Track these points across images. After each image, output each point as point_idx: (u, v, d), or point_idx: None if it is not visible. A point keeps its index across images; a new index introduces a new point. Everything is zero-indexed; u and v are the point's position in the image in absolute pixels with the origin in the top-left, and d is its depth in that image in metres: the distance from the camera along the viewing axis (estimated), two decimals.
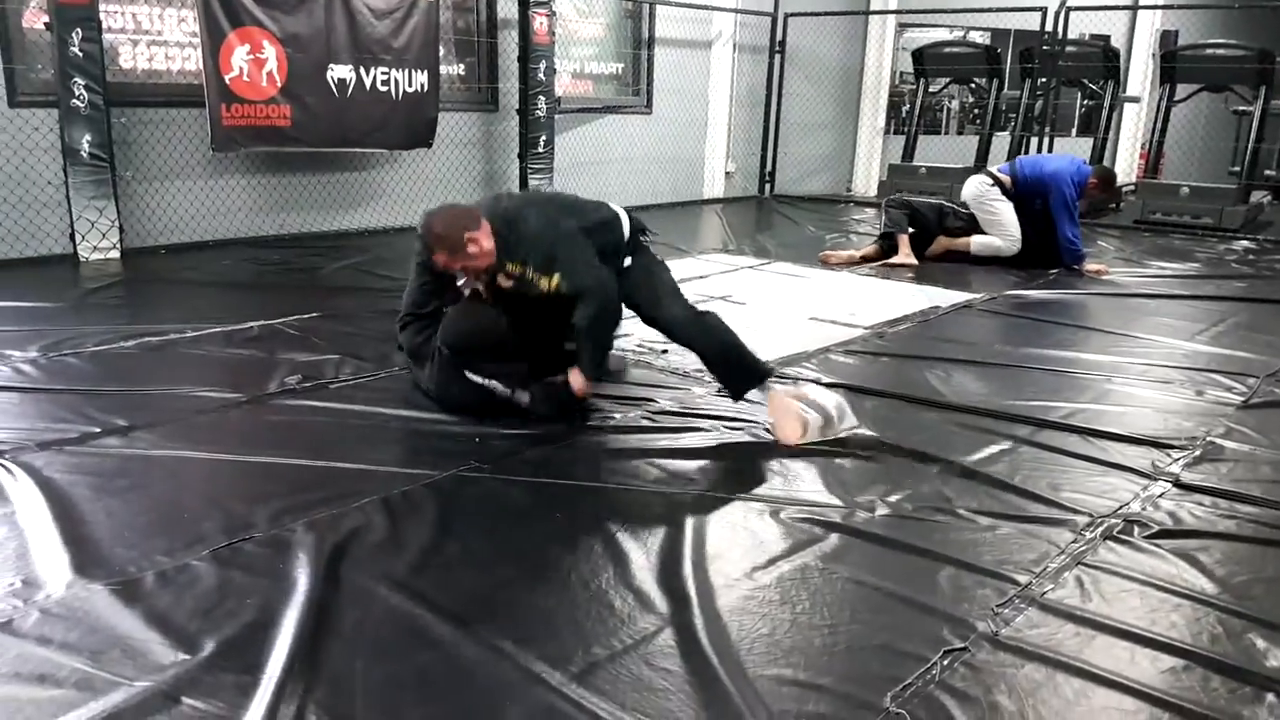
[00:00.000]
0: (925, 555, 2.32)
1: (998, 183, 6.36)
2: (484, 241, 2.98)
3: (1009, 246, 6.34)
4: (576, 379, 3.10)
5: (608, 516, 2.52)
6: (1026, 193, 6.31)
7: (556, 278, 2.95)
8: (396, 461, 2.82)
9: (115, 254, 5.83)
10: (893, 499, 2.64)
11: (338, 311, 4.63)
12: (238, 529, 2.35)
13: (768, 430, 3.05)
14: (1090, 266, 6.23)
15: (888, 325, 4.69)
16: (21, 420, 3.06)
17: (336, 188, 7.21)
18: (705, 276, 5.87)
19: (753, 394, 3.14)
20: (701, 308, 3.24)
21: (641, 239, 3.26)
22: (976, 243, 6.40)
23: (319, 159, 6.96)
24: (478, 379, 3.12)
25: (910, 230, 6.43)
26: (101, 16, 5.57)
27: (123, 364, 3.72)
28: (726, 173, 10.34)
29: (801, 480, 2.77)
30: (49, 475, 2.64)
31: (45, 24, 5.45)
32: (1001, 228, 6.36)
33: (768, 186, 10.70)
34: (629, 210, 3.28)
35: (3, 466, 2.69)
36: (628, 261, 3.20)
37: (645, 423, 3.22)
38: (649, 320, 3.21)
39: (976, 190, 6.41)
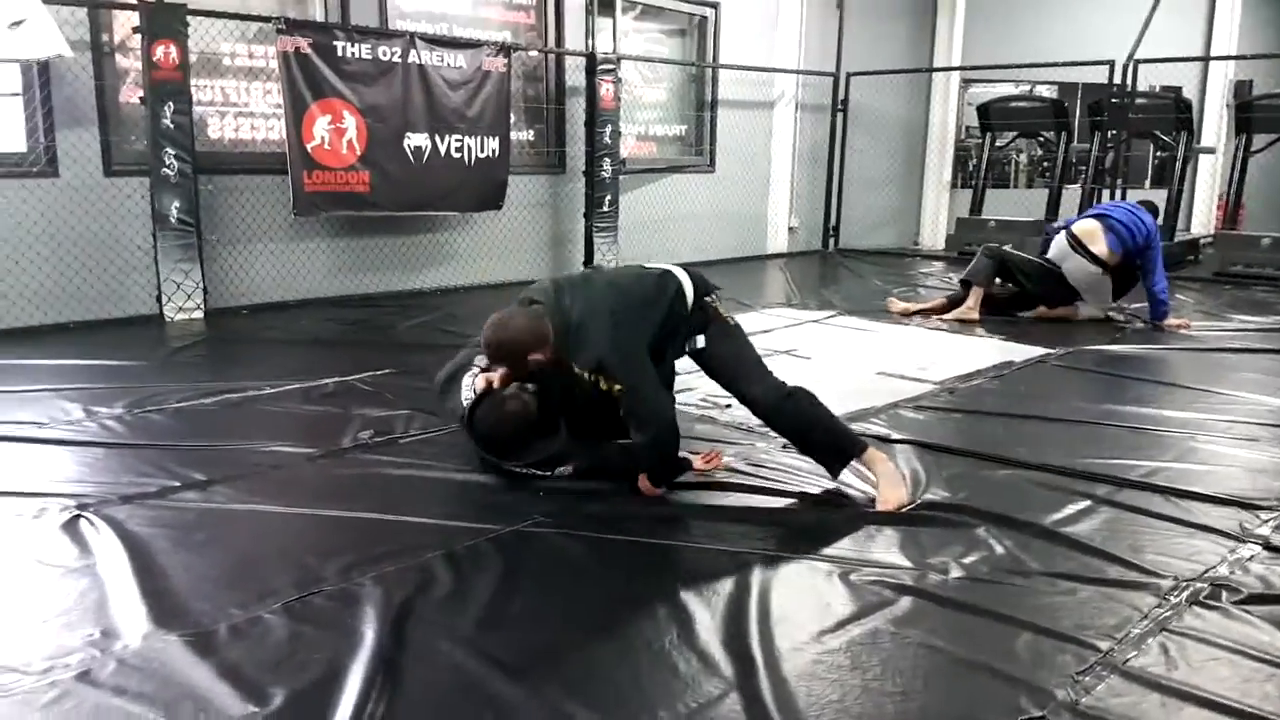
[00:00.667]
0: (1001, 620, 2.24)
1: (1094, 259, 6.09)
2: (546, 355, 2.93)
3: (1103, 312, 6.23)
4: (644, 483, 3.00)
5: (672, 575, 2.49)
6: (1133, 255, 6.08)
7: (615, 388, 2.87)
8: (461, 515, 2.83)
9: (199, 314, 6.03)
10: (967, 561, 2.56)
11: (409, 368, 4.71)
12: (308, 582, 2.38)
13: (867, 497, 2.97)
14: (1171, 321, 6.04)
15: (959, 380, 4.60)
16: (105, 474, 3.15)
17: (411, 249, 7.38)
18: (769, 330, 5.85)
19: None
20: (789, 384, 3.05)
21: (707, 300, 3.10)
22: (1084, 312, 6.23)
23: (395, 222, 7.15)
24: (517, 468, 3.11)
25: (994, 284, 6.31)
26: (192, 90, 5.85)
27: (204, 420, 3.83)
28: (790, 228, 10.34)
29: (871, 541, 2.70)
30: (130, 528, 2.71)
31: (140, 98, 5.73)
32: (1101, 298, 6.19)
33: (832, 241, 10.66)
34: (690, 268, 3.22)
35: (86, 519, 2.77)
36: (700, 342, 3.07)
37: (710, 479, 3.18)
38: (737, 397, 3.11)
39: (1078, 265, 6.10)
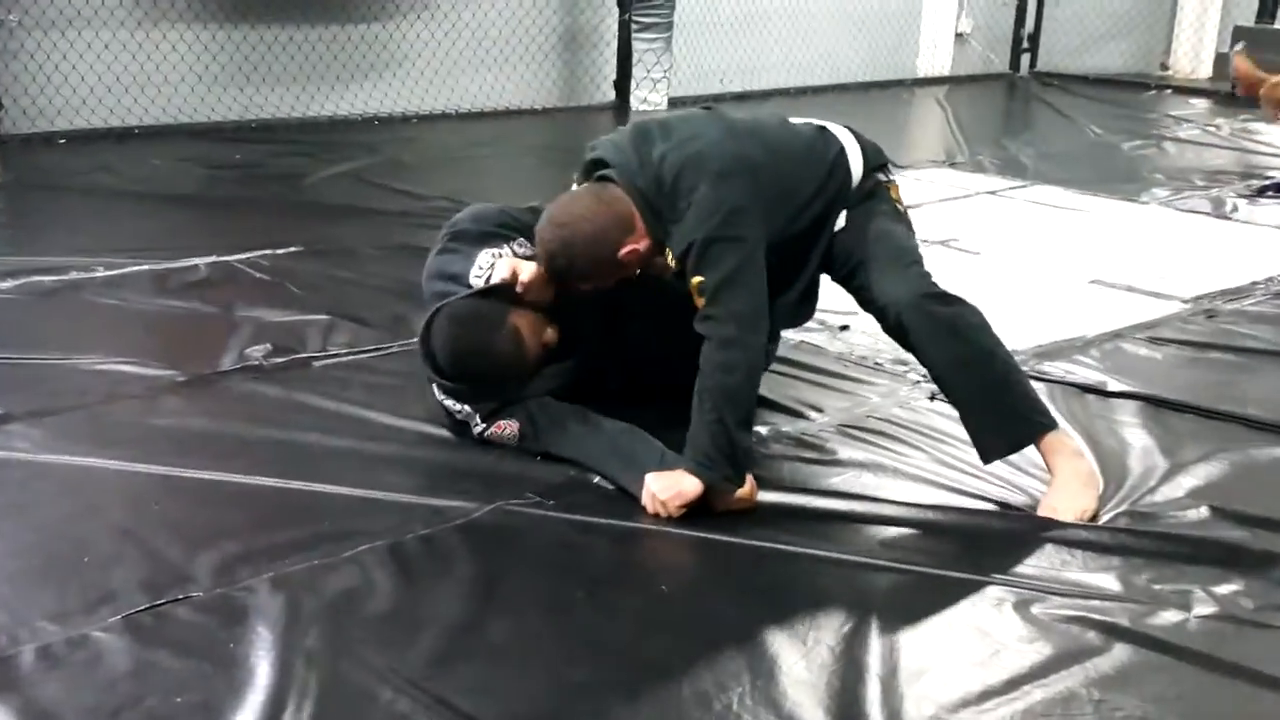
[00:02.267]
0: (1274, 686, 2.25)
1: None
2: (644, 249, 2.94)
3: None
4: (670, 481, 2.83)
5: (743, 592, 2.52)
6: None
7: (697, 283, 2.87)
8: (414, 487, 2.87)
9: None
10: (1221, 591, 2.56)
11: (328, 245, 4.75)
12: (166, 584, 2.42)
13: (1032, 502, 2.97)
14: None
15: (1223, 297, 4.58)
16: None
17: (335, 50, 7.37)
18: (916, 206, 5.78)
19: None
20: (951, 290, 3.06)
21: (880, 179, 3.19)
22: None
23: (308, 2, 7.13)
24: (446, 401, 3.13)
25: None
26: None
27: None
28: (958, 34, 10.21)
29: (1069, 556, 2.71)
30: None
31: None
32: None
33: (1026, 59, 10.51)
34: (855, 131, 3.23)
35: None
36: (841, 220, 3.12)
37: (805, 446, 3.19)
38: (863, 303, 3.15)
39: None
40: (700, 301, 2.84)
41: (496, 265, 3.07)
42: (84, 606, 2.34)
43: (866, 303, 3.10)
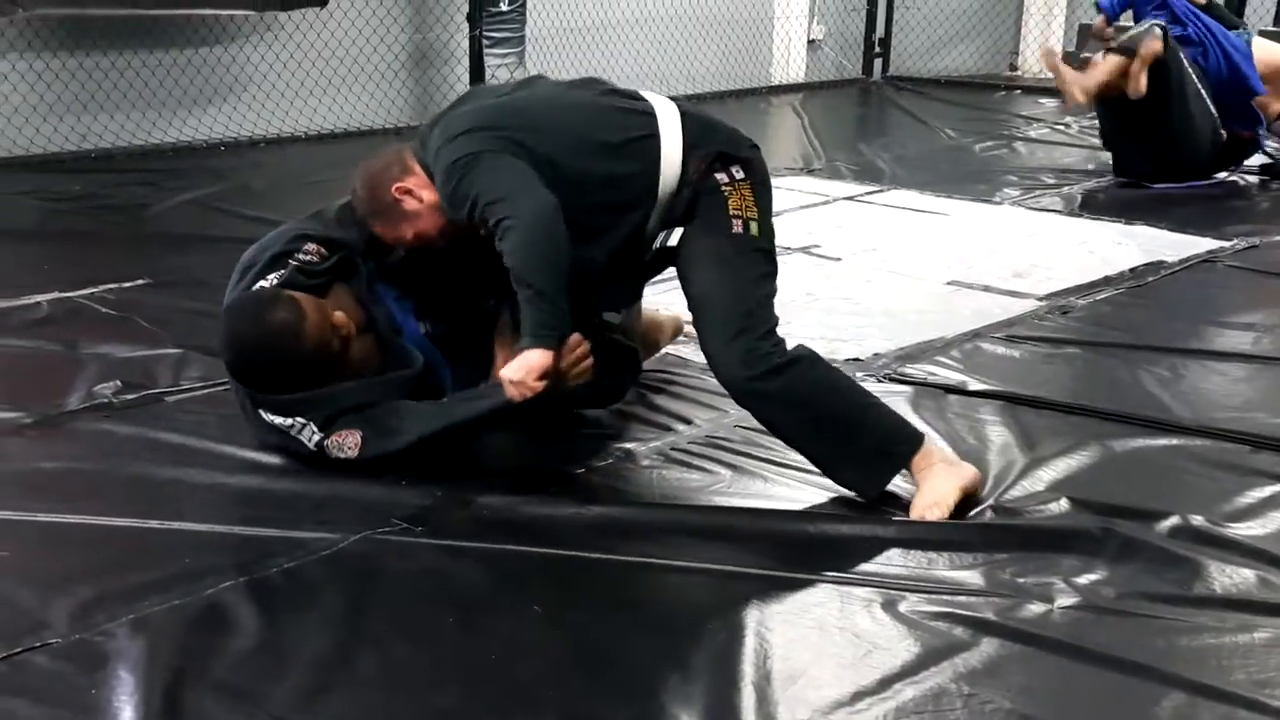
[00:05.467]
0: (1136, 672, 2.33)
1: None
2: (424, 191, 3.05)
3: None
4: (517, 362, 2.89)
5: (617, 609, 2.55)
6: None
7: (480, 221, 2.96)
8: (276, 520, 2.86)
9: None
10: (1083, 581, 2.65)
11: (176, 276, 4.69)
12: (20, 631, 2.39)
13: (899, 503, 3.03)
14: None
15: (1076, 293, 4.71)
16: None
17: (176, 75, 7.28)
18: (776, 214, 5.85)
19: None
20: (783, 348, 3.00)
21: (718, 173, 3.07)
22: None
23: (145, 27, 7.03)
24: (274, 419, 3.11)
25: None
26: None
27: None
28: (810, 40, 10.36)
29: (933, 551, 2.78)
30: None
31: None
32: None
33: (878, 64, 10.69)
34: (696, 109, 3.22)
35: None
36: (675, 238, 3.14)
37: (673, 460, 3.24)
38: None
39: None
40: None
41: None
42: None
43: (701, 346, 3.13)
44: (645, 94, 3.23)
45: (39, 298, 4.41)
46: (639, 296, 3.46)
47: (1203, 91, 6.42)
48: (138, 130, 7.13)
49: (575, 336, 2.95)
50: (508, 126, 3.02)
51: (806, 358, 3.02)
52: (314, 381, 3.08)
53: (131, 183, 6.38)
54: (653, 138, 3.08)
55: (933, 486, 2.95)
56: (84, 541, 2.78)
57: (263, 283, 3.15)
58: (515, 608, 2.56)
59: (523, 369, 2.87)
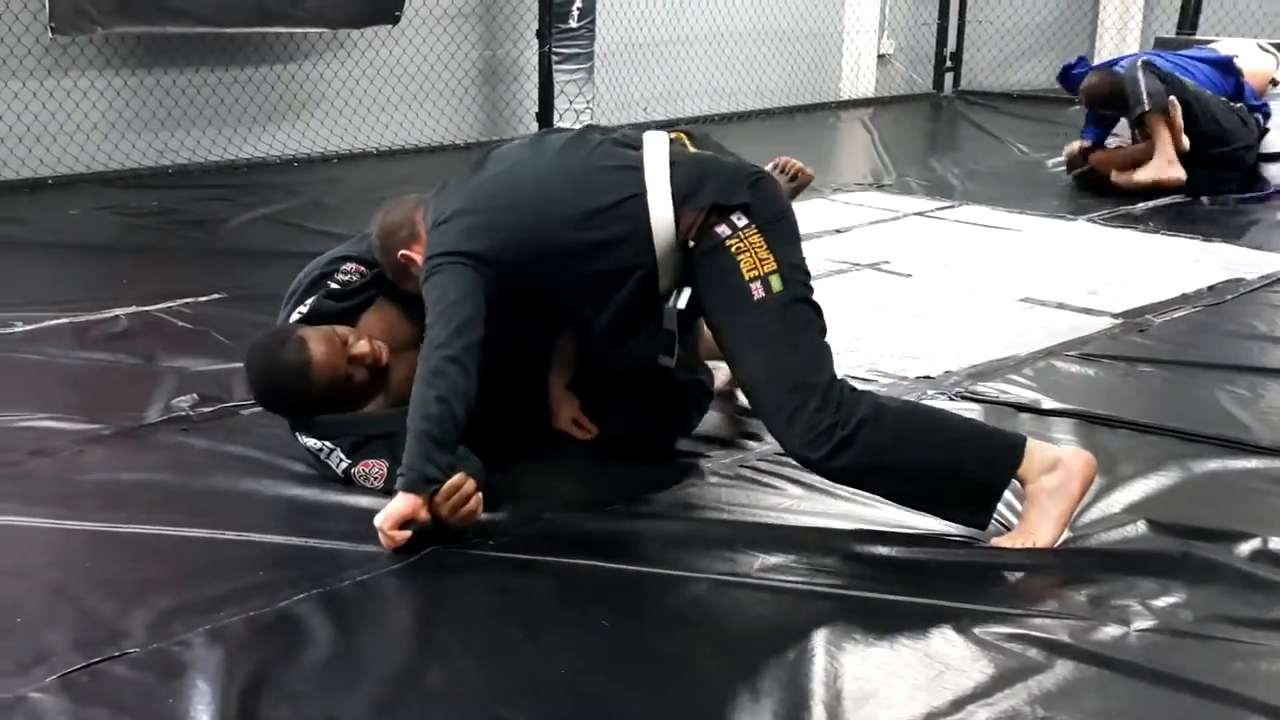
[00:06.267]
0: (1214, 697, 2.31)
1: None
2: (419, 261, 3.07)
3: None
4: (390, 506, 2.80)
5: (685, 626, 2.56)
6: None
7: None
8: (348, 533, 2.89)
9: None
10: (1161, 604, 2.63)
11: (251, 291, 4.74)
12: (101, 642, 2.43)
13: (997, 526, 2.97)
14: None
15: (1153, 311, 4.67)
16: None
17: (251, 92, 7.38)
18: (845, 230, 5.90)
19: None
20: (846, 409, 2.82)
21: (722, 234, 2.91)
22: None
23: (221, 45, 7.13)
24: (307, 441, 3.17)
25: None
26: None
27: None
28: (880, 55, 10.34)
29: (1007, 573, 2.78)
30: None
31: None
32: None
33: (949, 78, 10.65)
34: (706, 149, 3.17)
35: None
36: (683, 300, 3.04)
37: (744, 475, 3.25)
38: None
39: None
40: None
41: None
42: (18, 668, 2.35)
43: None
44: (646, 138, 3.08)
45: (118, 311, 4.49)
46: (669, 351, 3.15)
47: (1207, 92, 6.57)
48: (213, 146, 7.23)
49: (456, 478, 2.79)
50: (490, 209, 2.99)
51: (871, 419, 2.82)
52: (336, 410, 3.14)
53: (207, 198, 6.48)
54: (638, 197, 2.95)
55: (1029, 523, 2.86)
56: (162, 552, 2.83)
57: (300, 308, 3.23)
58: (584, 622, 2.57)
59: (383, 517, 2.78)
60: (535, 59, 8.17)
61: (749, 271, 2.89)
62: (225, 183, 6.87)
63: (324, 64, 7.58)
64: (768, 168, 3.57)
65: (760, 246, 2.91)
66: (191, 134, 7.15)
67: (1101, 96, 6.80)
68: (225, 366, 3.93)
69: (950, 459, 2.86)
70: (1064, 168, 7.16)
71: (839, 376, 2.91)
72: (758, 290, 2.89)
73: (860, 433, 2.81)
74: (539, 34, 8.10)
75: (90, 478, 3.21)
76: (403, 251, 3.12)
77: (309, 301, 3.26)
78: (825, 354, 2.93)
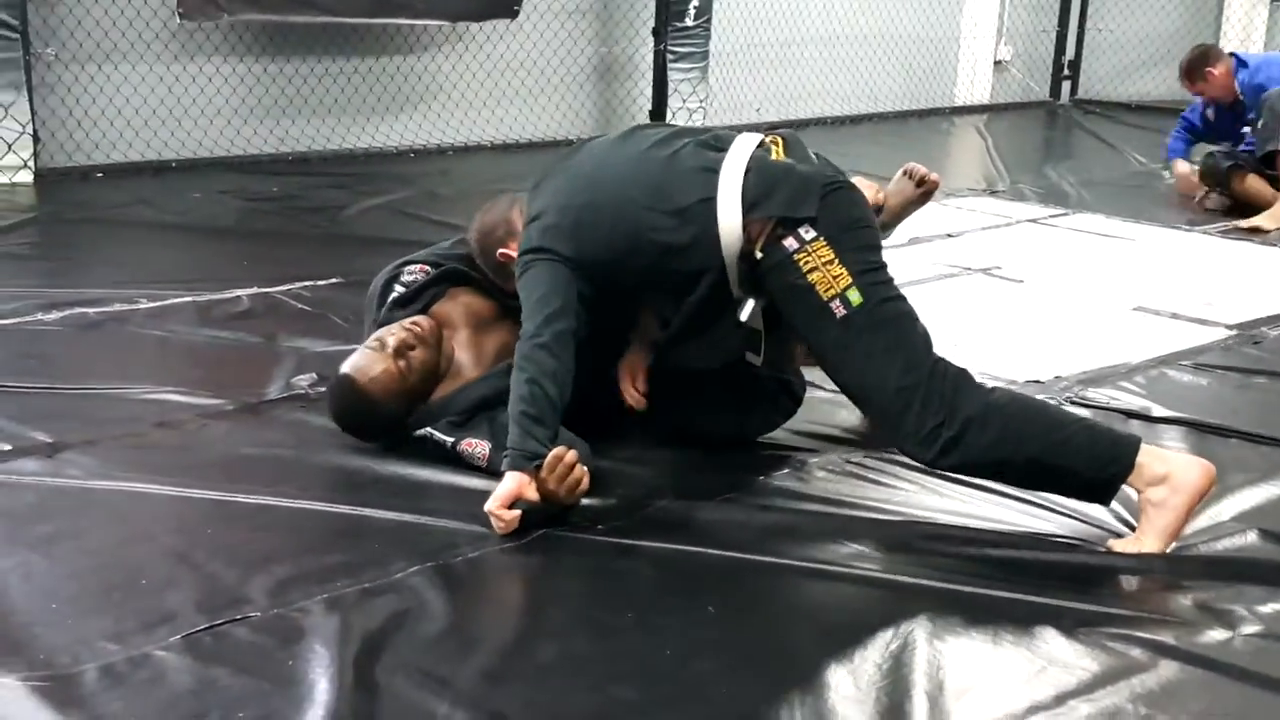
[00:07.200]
0: None
1: None
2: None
3: None
4: (498, 489, 2.86)
5: (790, 614, 2.62)
6: None
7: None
8: (460, 512, 2.96)
9: (25, 176, 6.25)
10: (1267, 610, 2.62)
11: (366, 276, 4.68)
12: (222, 605, 2.52)
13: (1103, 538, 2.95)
14: None
15: (1269, 324, 4.63)
16: None
17: (370, 82, 7.51)
18: (956, 235, 5.90)
19: None
20: (958, 403, 2.86)
21: (789, 247, 2.92)
22: None
23: (343, 35, 7.27)
24: (416, 434, 3.25)
25: None
26: None
27: (42, 348, 4.02)
28: (997, 61, 10.27)
29: (1116, 578, 2.79)
30: None
31: None
32: None
33: (1067, 86, 10.56)
34: (789, 155, 3.08)
35: None
36: (746, 312, 3.03)
37: (850, 471, 3.28)
38: None
39: None
40: None
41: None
42: (143, 627, 2.44)
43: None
44: (735, 140, 3.08)
45: (240, 292, 4.62)
46: (755, 349, 3.17)
47: None
48: (332, 135, 7.38)
49: (558, 450, 2.84)
50: (574, 206, 3.04)
51: (977, 419, 2.84)
52: (421, 400, 3.25)
53: (325, 185, 6.62)
54: (710, 200, 2.97)
55: (1139, 531, 2.86)
56: (280, 523, 2.92)
57: (376, 320, 3.37)
58: (690, 607, 2.61)
59: (493, 499, 2.83)
60: (650, 57, 8.24)
61: (826, 291, 2.90)
62: (343, 171, 7.02)
63: (442, 56, 7.69)
64: (897, 174, 3.63)
65: (830, 261, 2.91)
66: (311, 122, 7.30)
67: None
68: (343, 348, 3.99)
69: (1060, 462, 2.86)
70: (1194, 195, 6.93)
71: (939, 359, 2.93)
72: (839, 309, 2.90)
73: (968, 433, 2.85)
74: (655, 32, 8.16)
75: (214, 450, 3.31)
76: (501, 250, 3.22)
77: (379, 314, 3.39)
78: (919, 347, 2.93)
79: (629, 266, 3.04)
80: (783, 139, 3.15)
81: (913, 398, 2.86)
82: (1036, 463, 2.87)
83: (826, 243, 2.92)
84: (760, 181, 2.97)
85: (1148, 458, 2.85)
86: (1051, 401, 3.71)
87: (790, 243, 2.93)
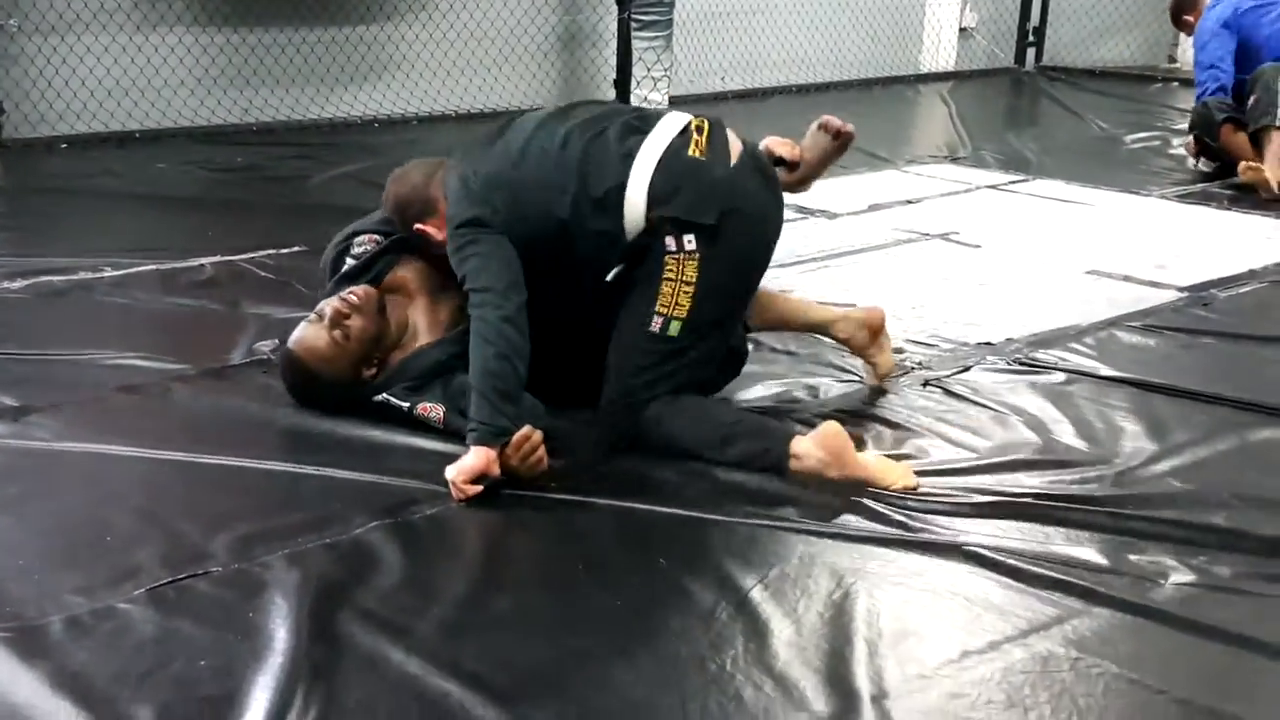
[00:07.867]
0: (1248, 647, 2.39)
1: None
2: (440, 235, 3.22)
3: None
4: (455, 464, 2.93)
5: (737, 565, 2.68)
6: None
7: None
8: (418, 469, 3.04)
9: None
10: (1199, 561, 2.71)
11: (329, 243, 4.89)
12: (186, 560, 2.60)
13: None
14: None
15: (1218, 286, 4.72)
16: None
17: (335, 52, 7.53)
18: (917, 201, 5.98)
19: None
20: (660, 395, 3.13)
21: (670, 247, 3.08)
22: None
23: (307, 4, 7.31)
24: (372, 400, 3.32)
25: None
26: None
27: (7, 315, 4.08)
28: (962, 29, 10.32)
29: (1050, 526, 2.87)
30: None
31: None
32: None
33: (1031, 53, 10.62)
34: (716, 128, 3.19)
35: None
36: (614, 272, 3.18)
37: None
38: None
39: None
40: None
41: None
42: (108, 581, 2.51)
43: None
44: (658, 125, 3.19)
45: (203, 260, 4.67)
46: None
47: None
48: (296, 105, 7.40)
49: (524, 430, 2.94)
50: (504, 183, 3.14)
51: (671, 401, 3.14)
52: (370, 365, 3.31)
53: (290, 156, 6.66)
54: (623, 188, 3.09)
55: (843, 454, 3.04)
56: (243, 484, 2.99)
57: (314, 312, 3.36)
58: (641, 561, 2.71)
59: (456, 471, 2.89)
60: (614, 25, 8.28)
61: (661, 305, 3.09)
62: (308, 141, 7.05)
63: (406, 26, 7.72)
64: (812, 128, 3.65)
65: (688, 284, 3.08)
66: (275, 92, 7.32)
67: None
68: (306, 314, 4.04)
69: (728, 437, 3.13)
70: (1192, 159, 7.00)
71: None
72: (655, 324, 3.10)
73: (660, 414, 3.13)
74: (619, 0, 8.19)
75: (178, 414, 3.39)
76: (418, 225, 3.27)
77: (331, 286, 3.44)
78: (676, 384, 3.15)
79: (550, 242, 3.13)
80: (708, 125, 3.21)
81: (659, 373, 3.12)
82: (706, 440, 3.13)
83: (698, 267, 3.08)
84: (670, 179, 3.09)
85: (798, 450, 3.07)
86: (1001, 362, 3.81)
87: (670, 243, 3.09)
